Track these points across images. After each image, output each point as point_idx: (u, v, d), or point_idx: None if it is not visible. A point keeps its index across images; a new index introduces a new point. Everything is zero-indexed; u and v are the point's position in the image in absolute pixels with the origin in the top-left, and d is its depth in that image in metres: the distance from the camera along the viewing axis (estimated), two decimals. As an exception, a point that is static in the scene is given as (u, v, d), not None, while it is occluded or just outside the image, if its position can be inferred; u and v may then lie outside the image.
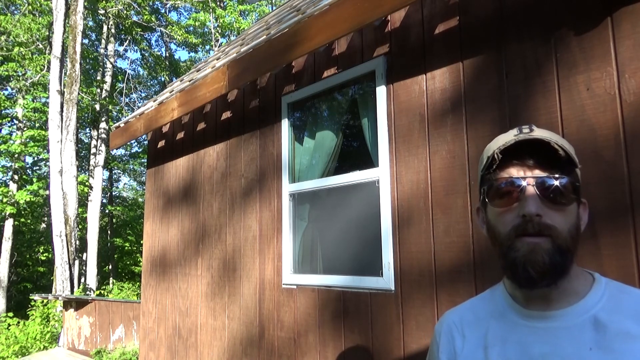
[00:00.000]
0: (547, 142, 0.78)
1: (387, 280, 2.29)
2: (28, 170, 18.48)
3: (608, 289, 0.82)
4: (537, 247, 0.76)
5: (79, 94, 11.81)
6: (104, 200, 20.41)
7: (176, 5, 19.86)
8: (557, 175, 0.78)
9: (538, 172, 0.79)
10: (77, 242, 11.11)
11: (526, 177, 0.79)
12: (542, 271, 0.76)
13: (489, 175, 0.84)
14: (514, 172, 0.80)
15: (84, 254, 16.44)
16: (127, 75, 18.89)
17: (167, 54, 21.29)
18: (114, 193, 23.77)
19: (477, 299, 0.97)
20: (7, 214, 15.47)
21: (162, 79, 20.89)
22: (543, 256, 0.76)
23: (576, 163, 0.80)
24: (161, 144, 4.42)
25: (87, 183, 15.67)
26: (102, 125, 17.17)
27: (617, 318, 0.78)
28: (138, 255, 20.81)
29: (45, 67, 14.98)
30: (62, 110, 11.15)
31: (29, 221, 18.62)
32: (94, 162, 17.39)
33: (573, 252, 0.80)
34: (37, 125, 17.30)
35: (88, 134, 20.87)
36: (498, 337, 0.86)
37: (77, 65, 11.36)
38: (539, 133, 0.80)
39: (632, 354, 0.74)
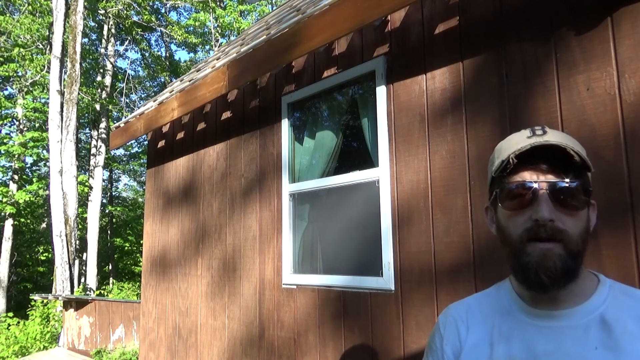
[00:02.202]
0: (564, 148, 0.78)
1: (387, 280, 2.29)
2: (28, 171, 18.48)
3: (612, 290, 0.83)
4: (549, 252, 0.76)
5: (79, 94, 11.81)
6: (104, 200, 20.41)
7: (176, 5, 19.86)
8: (570, 180, 0.78)
9: (551, 177, 0.79)
10: (77, 242, 11.11)
11: (539, 181, 0.79)
12: (554, 277, 0.77)
13: (501, 177, 0.84)
14: (528, 175, 0.80)
15: (84, 254, 16.45)
16: (127, 76, 18.89)
17: (167, 54, 21.29)
18: (114, 193, 23.77)
19: (482, 295, 0.97)
20: (7, 214, 15.47)
21: (162, 79, 20.90)
22: (555, 262, 0.76)
23: (590, 167, 0.80)
24: (161, 144, 4.42)
25: (87, 183, 15.67)
26: (102, 125, 17.18)
27: (622, 319, 0.79)
28: (138, 255, 20.81)
29: (45, 67, 14.98)
30: (62, 110, 11.15)
31: (29, 221, 18.62)
32: (94, 162, 17.40)
33: (583, 254, 0.80)
34: (37, 125, 17.29)
35: (88, 134, 20.88)
36: (504, 334, 0.86)
37: (77, 65, 11.36)
38: (553, 137, 0.80)
39: (638, 355, 0.75)
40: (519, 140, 0.82)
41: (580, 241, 0.79)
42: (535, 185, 0.79)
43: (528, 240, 0.78)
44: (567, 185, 0.78)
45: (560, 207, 0.78)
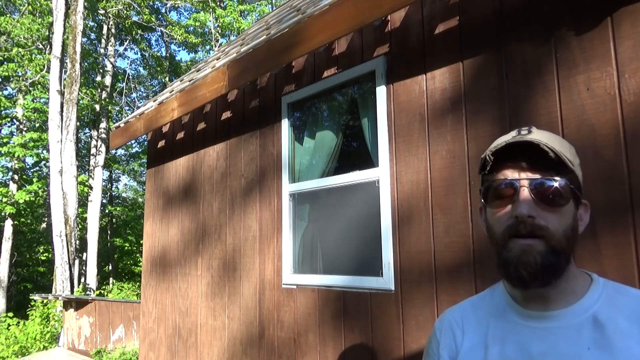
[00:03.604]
0: (537, 144, 0.78)
1: (387, 280, 2.29)
2: (28, 171, 18.48)
3: (605, 289, 0.84)
4: (529, 248, 0.77)
5: (79, 94, 11.81)
6: (104, 201, 20.41)
7: (176, 5, 19.86)
8: (550, 177, 0.79)
9: (531, 174, 0.80)
10: (77, 242, 11.11)
11: (520, 178, 0.80)
12: (534, 272, 0.77)
13: (486, 176, 0.86)
14: (509, 173, 0.82)
15: (84, 254, 16.45)
16: (127, 75, 18.90)
17: (167, 54, 21.29)
18: (114, 193, 23.77)
19: (477, 298, 0.98)
20: (7, 214, 15.47)
21: (163, 79, 20.90)
22: (535, 257, 0.77)
23: (568, 165, 0.80)
24: (161, 144, 4.42)
25: (87, 183, 15.67)
26: (102, 125, 17.18)
27: (614, 318, 0.79)
28: (138, 255, 20.81)
29: (45, 67, 14.97)
30: (62, 110, 11.15)
31: (29, 221, 18.62)
32: (94, 162, 17.40)
33: (569, 252, 0.80)
34: (37, 125, 17.30)
35: (88, 134, 20.88)
36: (498, 336, 0.87)
37: (77, 65, 11.37)
38: (535, 135, 0.81)
39: (630, 353, 0.75)
40: (503, 140, 0.84)
41: (564, 238, 0.79)
42: (516, 184, 0.80)
43: (509, 237, 0.79)
44: (548, 182, 0.79)
45: (542, 204, 0.79)
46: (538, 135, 0.81)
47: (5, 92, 17.88)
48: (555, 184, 0.78)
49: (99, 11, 16.52)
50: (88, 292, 12.52)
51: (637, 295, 0.82)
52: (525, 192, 0.79)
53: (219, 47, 16.03)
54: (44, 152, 16.56)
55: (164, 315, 4.10)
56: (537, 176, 0.79)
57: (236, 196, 3.38)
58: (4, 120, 17.83)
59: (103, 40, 18.07)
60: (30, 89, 16.32)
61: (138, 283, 17.91)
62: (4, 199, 15.09)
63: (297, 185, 2.91)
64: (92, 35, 19.14)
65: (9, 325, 9.15)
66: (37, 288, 18.38)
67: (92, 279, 15.32)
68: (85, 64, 17.39)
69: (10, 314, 9.66)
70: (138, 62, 21.96)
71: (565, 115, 1.76)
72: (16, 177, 16.96)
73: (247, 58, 3.02)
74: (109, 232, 21.34)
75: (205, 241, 3.66)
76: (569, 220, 0.81)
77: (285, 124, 3.03)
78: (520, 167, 0.81)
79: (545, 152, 0.78)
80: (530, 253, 0.77)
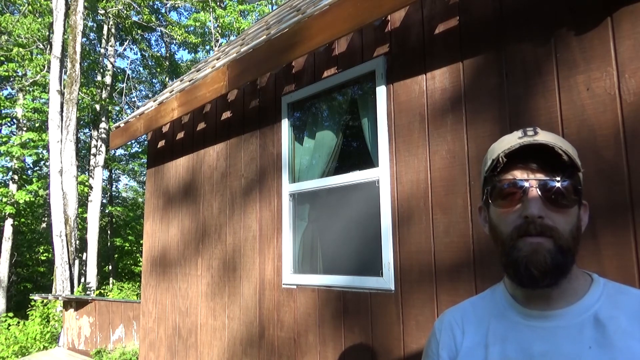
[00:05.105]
0: (552, 147, 0.79)
1: (387, 280, 2.29)
2: (28, 171, 18.49)
3: (606, 289, 0.84)
4: (539, 247, 0.78)
5: (79, 94, 11.81)
6: (104, 201, 20.40)
7: (176, 5, 19.86)
8: (559, 178, 0.80)
9: (541, 176, 0.80)
10: (77, 242, 11.11)
11: (529, 179, 0.80)
12: (544, 271, 0.77)
13: (492, 176, 0.85)
14: (518, 174, 0.82)
15: (84, 254, 16.45)
16: (127, 76, 18.90)
17: (168, 54, 21.29)
18: (114, 193, 23.77)
19: (478, 298, 0.98)
20: (7, 214, 15.47)
21: (163, 78, 20.90)
22: (545, 256, 0.77)
23: (579, 167, 0.81)
24: (161, 144, 4.42)
25: (87, 183, 15.67)
26: (102, 125, 17.18)
27: (616, 317, 0.79)
28: (138, 255, 20.82)
29: (45, 67, 14.97)
30: (62, 110, 11.15)
31: (29, 221, 18.62)
32: (94, 162, 17.40)
33: (574, 252, 0.81)
34: (37, 125, 17.29)
35: (88, 134, 20.88)
36: (498, 336, 0.87)
37: (77, 65, 11.36)
38: (543, 137, 0.81)
39: (631, 352, 0.75)
40: (510, 141, 0.84)
41: (571, 238, 0.80)
42: (525, 184, 0.80)
43: (518, 237, 0.80)
44: (556, 183, 0.79)
45: (550, 205, 0.79)
46: (545, 137, 0.81)
47: (5, 92, 17.89)
48: (564, 185, 0.79)
49: (99, 11, 16.51)
50: (88, 292, 12.52)
51: (639, 295, 0.82)
52: (534, 193, 0.79)
53: (219, 47, 16.03)
54: (44, 152, 16.56)
55: (164, 315, 4.10)
56: (547, 178, 0.80)
57: (236, 196, 3.38)
58: (4, 121, 17.82)
59: (103, 40, 18.07)
60: (30, 89, 16.32)
61: (138, 283, 17.91)
62: (4, 199, 15.09)
63: (297, 185, 2.91)
64: (92, 35, 19.14)
65: (9, 325, 9.15)
66: (37, 288, 18.37)
67: (92, 279, 15.32)
68: (85, 64, 17.39)
69: (11, 314, 9.66)
70: (138, 62, 21.94)
71: (565, 115, 1.76)
72: (16, 177, 16.96)
73: (247, 58, 3.02)
74: (109, 232, 21.34)
75: (205, 241, 3.66)
76: (574, 221, 0.82)
77: (285, 124, 3.03)
78: (530, 168, 0.81)
79: (558, 155, 0.79)
80: (540, 252, 0.77)
